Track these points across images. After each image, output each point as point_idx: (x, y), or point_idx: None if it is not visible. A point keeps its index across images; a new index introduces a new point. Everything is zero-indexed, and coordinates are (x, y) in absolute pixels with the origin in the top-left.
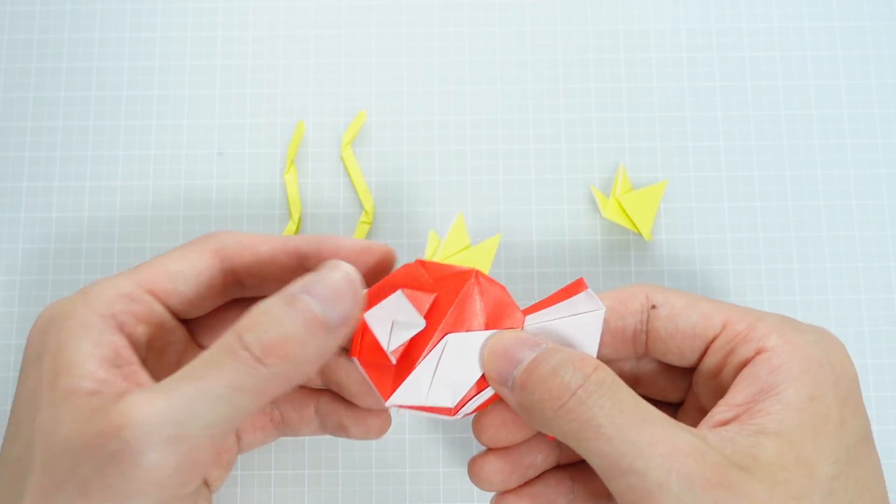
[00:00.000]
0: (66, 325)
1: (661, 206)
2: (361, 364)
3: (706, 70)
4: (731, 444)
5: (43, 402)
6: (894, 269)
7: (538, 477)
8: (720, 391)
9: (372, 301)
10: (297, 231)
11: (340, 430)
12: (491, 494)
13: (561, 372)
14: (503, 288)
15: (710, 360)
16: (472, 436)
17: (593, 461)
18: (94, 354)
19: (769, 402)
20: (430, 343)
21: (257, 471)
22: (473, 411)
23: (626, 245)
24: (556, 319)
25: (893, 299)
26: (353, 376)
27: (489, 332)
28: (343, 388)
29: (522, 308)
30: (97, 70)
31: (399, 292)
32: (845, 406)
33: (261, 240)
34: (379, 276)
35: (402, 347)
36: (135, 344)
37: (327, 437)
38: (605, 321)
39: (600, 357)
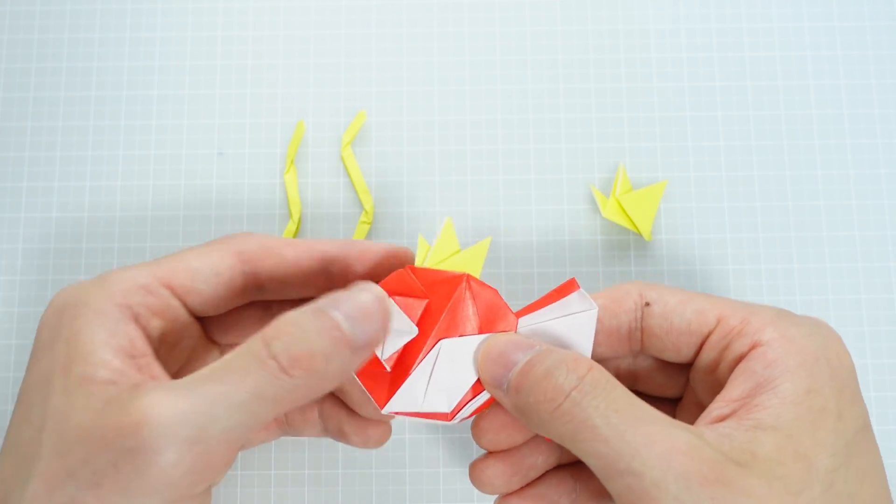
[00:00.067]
0: (82, 311)
1: (661, 206)
2: (356, 373)
3: (706, 70)
4: (729, 441)
5: (55, 387)
6: (894, 269)
7: (540, 478)
8: (717, 386)
9: None
10: (296, 231)
11: (341, 436)
12: (493, 496)
13: (555, 374)
14: (495, 291)
15: (706, 356)
16: (471, 436)
17: (590, 462)
18: (110, 343)
19: (766, 397)
20: (424, 349)
21: (257, 471)
22: (470, 415)
23: (626, 245)
24: (550, 320)
25: (893, 299)
26: (356, 384)
27: (483, 336)
28: (346, 395)
29: (515, 310)
30: (97, 70)
31: (391, 300)
32: (842, 398)
33: (286, 243)
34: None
35: (396, 355)
36: (148, 336)
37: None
38: (599, 320)
39: (596, 356)
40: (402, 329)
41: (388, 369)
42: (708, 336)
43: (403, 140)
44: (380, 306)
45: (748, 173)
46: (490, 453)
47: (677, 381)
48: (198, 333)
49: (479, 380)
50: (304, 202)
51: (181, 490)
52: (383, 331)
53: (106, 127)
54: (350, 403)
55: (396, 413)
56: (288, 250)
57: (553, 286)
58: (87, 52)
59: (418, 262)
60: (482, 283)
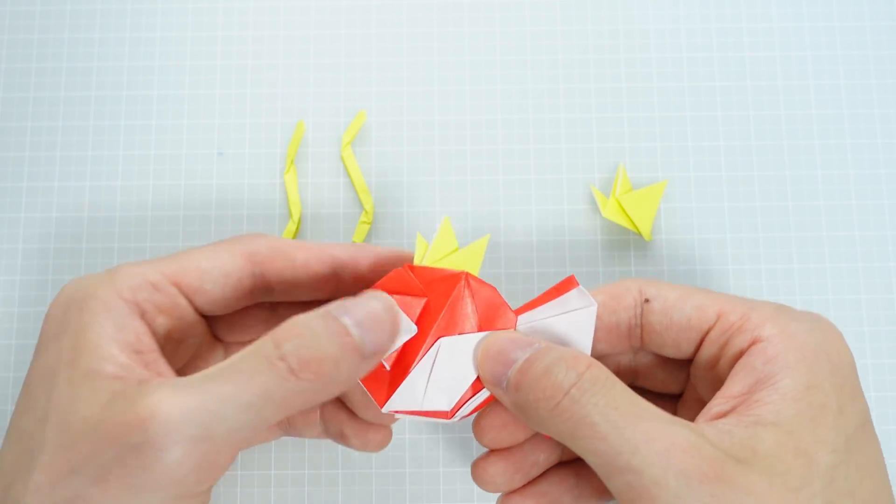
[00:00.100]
0: (89, 305)
1: (661, 206)
2: None
3: (706, 70)
4: (729, 437)
5: (61, 379)
6: (894, 269)
7: (542, 475)
8: (717, 382)
9: None
10: (296, 231)
11: (341, 439)
12: (494, 495)
13: (554, 371)
14: (494, 289)
15: (706, 352)
16: (472, 435)
17: (590, 460)
18: (117, 338)
19: (766, 393)
20: (423, 348)
21: (257, 471)
22: (470, 413)
23: (626, 245)
24: (549, 318)
25: (893, 299)
26: (358, 387)
27: (482, 334)
28: (348, 398)
29: (514, 308)
30: (97, 70)
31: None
32: (843, 393)
33: (296, 246)
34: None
35: (396, 353)
36: (154, 333)
37: None
38: (599, 317)
39: (595, 353)
40: (402, 328)
41: (388, 368)
42: (708, 332)
43: (403, 140)
44: (389, 315)
45: (748, 173)
46: (492, 452)
47: (678, 378)
48: (203, 331)
49: (478, 378)
50: (304, 202)
51: (185, 488)
52: (392, 340)
53: (106, 127)
54: (352, 406)
55: (396, 412)
56: (298, 253)
57: None
58: (87, 52)
59: (417, 261)
60: (481, 281)
